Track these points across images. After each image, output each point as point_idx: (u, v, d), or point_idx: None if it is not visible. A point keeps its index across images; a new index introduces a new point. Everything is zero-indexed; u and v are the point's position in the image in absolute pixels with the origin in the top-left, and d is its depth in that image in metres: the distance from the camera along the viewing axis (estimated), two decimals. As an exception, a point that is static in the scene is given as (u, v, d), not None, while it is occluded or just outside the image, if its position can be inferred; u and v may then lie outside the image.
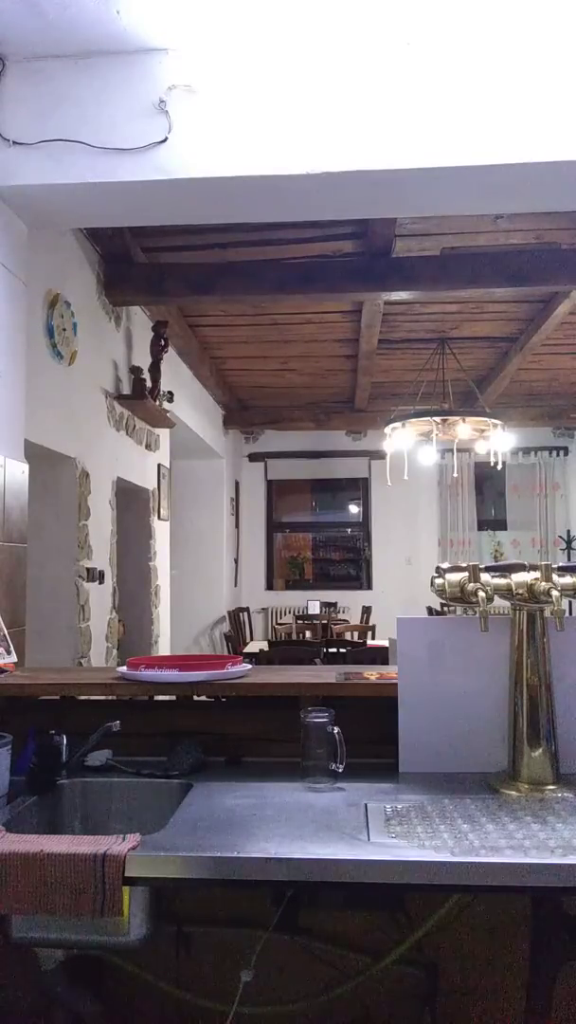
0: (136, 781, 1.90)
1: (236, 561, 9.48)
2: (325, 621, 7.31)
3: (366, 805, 1.65)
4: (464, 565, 1.83)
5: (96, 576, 4.37)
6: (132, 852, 1.39)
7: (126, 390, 5.06)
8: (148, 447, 5.68)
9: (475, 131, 2.33)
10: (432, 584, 1.84)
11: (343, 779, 1.79)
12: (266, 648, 5.93)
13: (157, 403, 5.36)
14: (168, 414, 5.70)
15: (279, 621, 9.06)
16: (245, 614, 9.06)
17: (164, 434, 6.14)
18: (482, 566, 1.81)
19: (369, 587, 9.76)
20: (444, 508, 9.68)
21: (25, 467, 2.71)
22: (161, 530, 6.10)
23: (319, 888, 1.46)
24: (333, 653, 5.79)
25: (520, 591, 1.80)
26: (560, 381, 7.90)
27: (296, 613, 8.48)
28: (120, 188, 2.46)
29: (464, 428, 6.29)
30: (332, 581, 10.13)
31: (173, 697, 2.12)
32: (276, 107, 2.38)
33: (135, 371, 5.10)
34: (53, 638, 4.02)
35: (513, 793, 1.72)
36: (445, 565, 1.86)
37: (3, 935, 1.48)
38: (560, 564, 1.82)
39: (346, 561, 10.27)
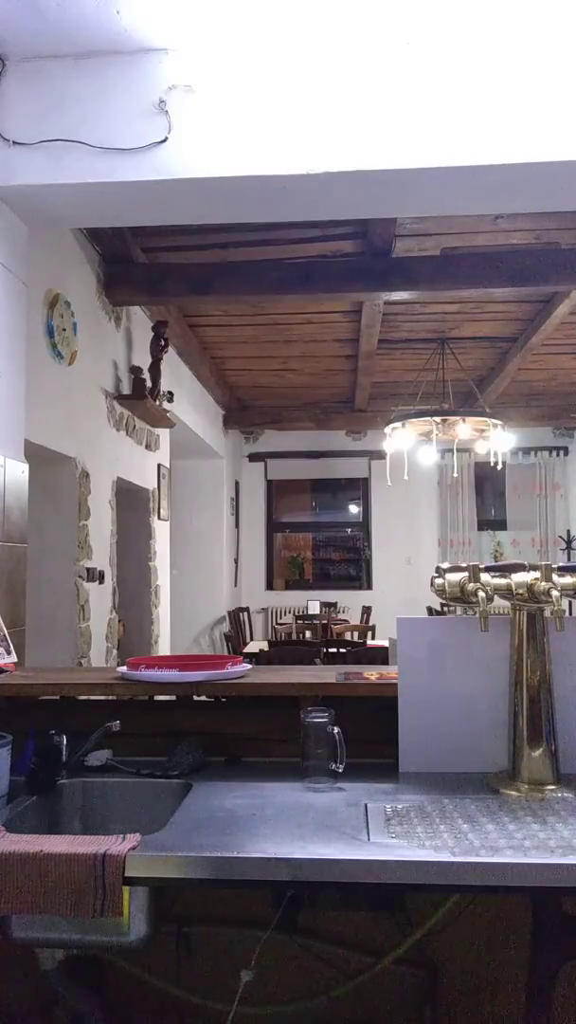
0: (136, 781, 1.90)
1: (236, 561, 9.47)
2: (325, 621, 7.30)
3: (366, 805, 1.65)
4: (464, 565, 1.82)
5: (96, 576, 4.37)
6: (132, 852, 1.39)
7: (126, 390, 5.06)
8: (148, 447, 5.68)
9: (475, 131, 2.33)
10: (432, 584, 1.84)
11: (343, 779, 1.79)
12: (266, 648, 5.93)
13: (157, 403, 5.36)
14: (168, 414, 5.70)
15: (279, 621, 9.06)
16: (245, 614, 9.05)
17: (164, 434, 6.14)
18: (482, 566, 1.81)
19: (369, 587, 9.76)
20: (444, 508, 9.68)
21: (25, 467, 2.71)
22: (161, 530, 6.10)
23: (319, 888, 1.46)
24: (333, 653, 5.79)
25: (520, 591, 1.79)
26: (560, 381, 7.90)
27: (296, 613, 8.47)
28: (120, 188, 2.46)
29: (464, 428, 6.29)
30: (332, 581, 10.13)
31: (173, 697, 2.12)
32: (276, 107, 2.38)
33: (135, 371, 5.10)
34: (53, 638, 4.02)
35: (513, 793, 1.72)
36: (445, 565, 1.85)
37: (3, 935, 1.48)
38: (560, 564, 1.81)
39: (346, 561, 10.27)
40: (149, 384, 5.19)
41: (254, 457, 9.93)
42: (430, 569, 1.95)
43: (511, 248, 4.62)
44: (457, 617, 1.96)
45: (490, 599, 1.75)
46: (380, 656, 5.26)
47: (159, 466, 6.01)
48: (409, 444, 6.66)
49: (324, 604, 8.00)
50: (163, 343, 5.41)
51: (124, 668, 2.08)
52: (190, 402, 6.90)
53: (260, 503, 10.01)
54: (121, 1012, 1.91)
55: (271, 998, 1.85)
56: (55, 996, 1.69)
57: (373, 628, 7.19)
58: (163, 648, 6.01)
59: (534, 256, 4.54)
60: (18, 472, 2.65)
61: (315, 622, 7.34)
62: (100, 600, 4.50)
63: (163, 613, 6.11)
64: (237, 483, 9.60)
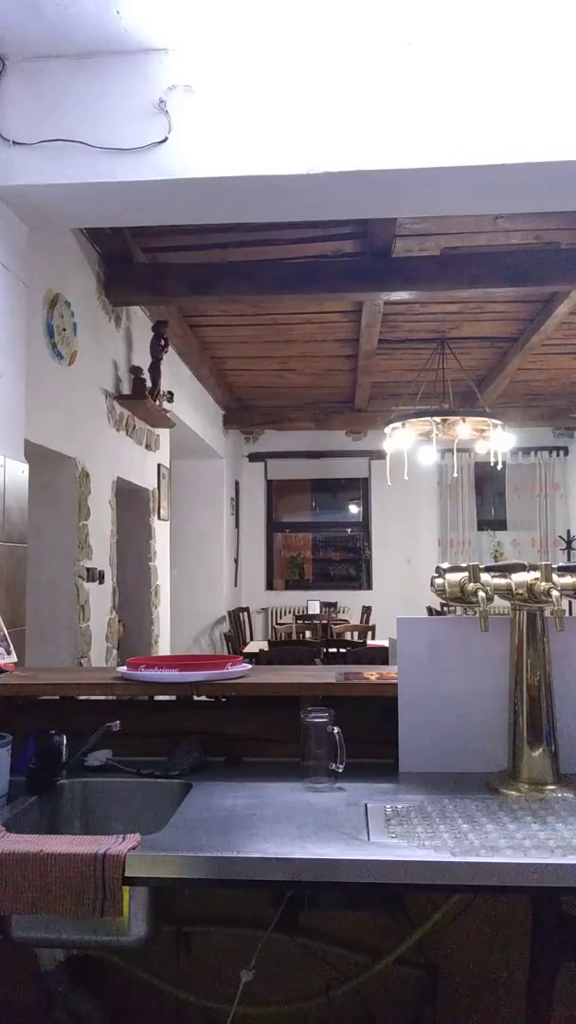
0: (136, 781, 1.90)
1: (236, 561, 9.47)
2: (325, 621, 7.30)
3: (366, 805, 1.65)
4: (464, 565, 1.82)
5: (96, 576, 4.37)
6: (132, 852, 1.39)
7: (126, 390, 5.06)
8: (148, 447, 5.68)
9: (475, 131, 2.33)
10: (432, 584, 1.84)
11: (343, 779, 1.79)
12: (266, 648, 5.93)
13: (157, 403, 5.36)
14: (168, 414, 5.70)
15: (279, 621, 9.06)
16: (245, 614, 9.06)
17: (164, 434, 6.14)
18: (482, 566, 1.81)
19: (369, 587, 9.76)
20: (444, 508, 9.68)
21: (25, 467, 2.71)
22: (161, 530, 6.10)
23: (319, 888, 1.46)
24: (333, 653, 5.79)
25: (520, 591, 1.79)
26: (560, 381, 7.90)
27: (296, 613, 8.48)
28: (120, 188, 2.46)
29: (464, 428, 6.29)
30: (332, 581, 10.13)
31: (173, 697, 2.12)
32: (276, 107, 2.38)
33: (135, 371, 5.10)
34: (53, 638, 4.02)
35: (513, 793, 1.72)
36: (445, 565, 1.85)
37: (3, 935, 1.48)
38: (560, 564, 1.81)
39: (346, 561, 10.27)
40: (149, 384, 5.19)
41: (254, 457, 9.93)
42: (430, 569, 1.95)
43: (511, 248, 4.62)
44: (457, 617, 1.96)
45: (490, 599, 1.75)
46: (380, 656, 5.26)
47: (159, 466, 6.01)
48: (409, 444, 6.66)
49: (324, 604, 8.00)
50: (163, 343, 5.41)
51: (124, 668, 2.08)
52: (190, 402, 6.90)
53: (260, 503, 10.01)
54: (121, 1012, 1.91)
55: (271, 998, 1.85)
56: (55, 996, 1.69)
57: (373, 628, 7.18)
58: (163, 648, 6.01)
59: (534, 256, 4.54)
60: (18, 472, 2.65)
61: (315, 622, 7.34)
62: (100, 600, 4.50)
63: (163, 613, 6.11)
64: (237, 483, 9.60)
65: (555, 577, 1.76)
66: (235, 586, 9.38)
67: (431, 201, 2.70)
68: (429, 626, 1.96)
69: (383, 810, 1.62)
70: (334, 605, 8.43)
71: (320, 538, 10.39)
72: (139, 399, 5.02)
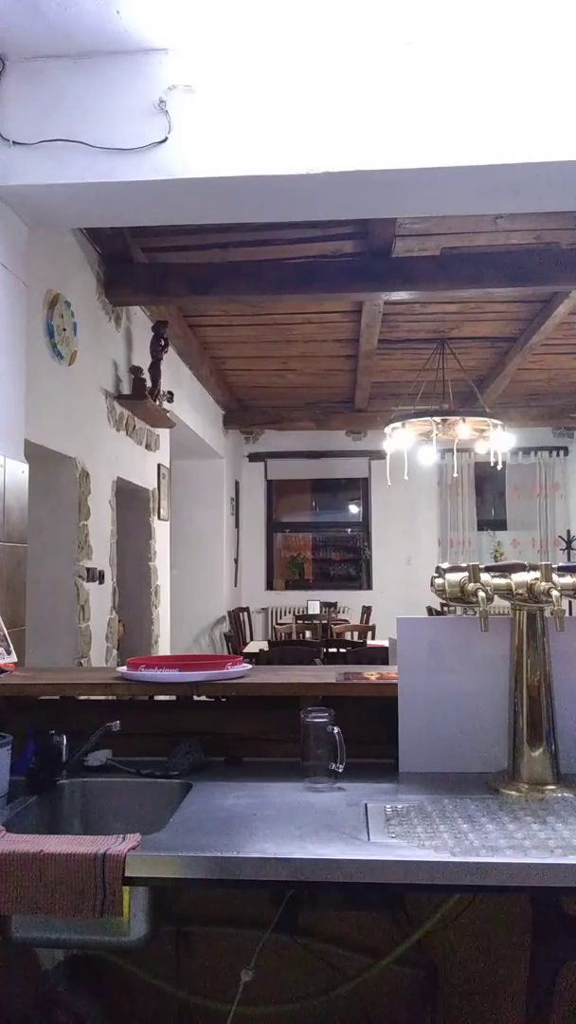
0: (136, 781, 1.90)
1: (236, 561, 9.47)
2: (325, 621, 7.30)
3: (366, 805, 1.65)
4: (464, 565, 1.83)
5: (96, 576, 4.37)
6: (132, 852, 1.39)
7: (126, 390, 5.06)
8: (148, 447, 5.68)
9: (475, 131, 2.33)
10: (432, 584, 1.84)
11: (343, 779, 1.79)
12: (266, 648, 5.93)
13: (157, 403, 5.36)
14: (168, 414, 5.70)
15: (279, 621, 9.06)
16: (245, 614, 9.05)
17: (164, 434, 6.14)
18: (482, 566, 1.81)
19: (369, 587, 9.76)
20: (444, 508, 9.68)
21: (25, 467, 2.71)
22: (161, 530, 6.10)
23: (319, 888, 1.46)
24: (333, 653, 5.79)
25: (520, 591, 1.79)
26: (560, 381, 7.90)
27: (296, 613, 8.47)
28: (120, 188, 2.46)
29: (464, 428, 6.30)
30: (332, 581, 10.13)
31: (173, 697, 2.12)
32: (276, 107, 2.38)
33: (135, 371, 5.10)
34: (53, 638, 4.02)
35: (513, 793, 1.72)
36: (445, 565, 1.85)
37: (3, 935, 1.48)
38: (560, 564, 1.82)
39: (346, 561, 10.27)
40: (149, 384, 5.19)
41: (254, 457, 9.93)
42: (430, 569, 1.95)
43: (511, 248, 4.62)
44: (457, 617, 1.96)
45: (490, 599, 1.75)
46: (380, 656, 5.26)
47: (159, 466, 6.01)
48: (409, 444, 6.67)
49: (324, 604, 8.00)
50: (163, 343, 5.41)
51: (124, 668, 2.08)
52: (190, 402, 6.90)
53: (260, 503, 10.01)
54: (121, 1012, 1.91)
55: (271, 998, 1.85)
56: (55, 996, 1.69)
57: (373, 628, 7.18)
58: (163, 648, 6.01)
59: (534, 256, 4.54)
60: (18, 472, 2.65)
61: (315, 622, 7.34)
62: (100, 600, 4.50)
63: (163, 613, 6.11)
64: (237, 483, 9.60)
65: (555, 577, 1.76)
66: (235, 586, 9.39)
67: (431, 201, 2.70)
68: (429, 626, 1.96)
69: (383, 810, 1.62)
70: (334, 605, 8.43)
71: (320, 538, 10.39)
72: (139, 399, 5.02)
